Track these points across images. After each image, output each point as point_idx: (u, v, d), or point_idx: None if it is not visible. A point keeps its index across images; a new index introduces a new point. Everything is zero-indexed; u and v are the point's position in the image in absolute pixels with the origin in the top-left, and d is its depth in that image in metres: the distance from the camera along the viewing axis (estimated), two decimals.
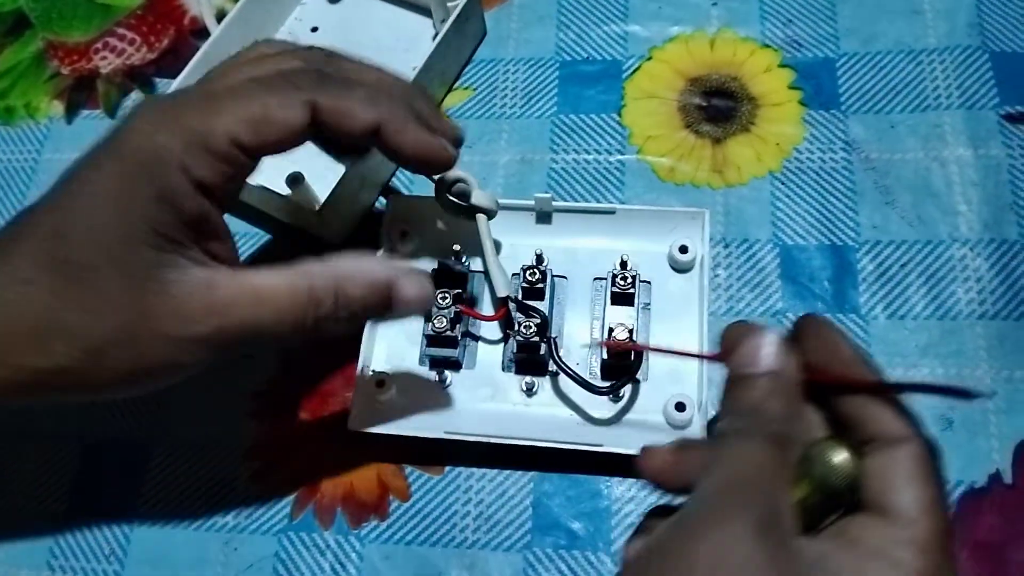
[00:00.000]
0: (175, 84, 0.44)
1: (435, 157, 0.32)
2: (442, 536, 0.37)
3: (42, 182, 0.48)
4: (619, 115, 0.44)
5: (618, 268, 0.38)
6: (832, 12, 0.45)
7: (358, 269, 0.30)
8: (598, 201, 0.42)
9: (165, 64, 0.50)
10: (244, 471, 0.39)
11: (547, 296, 0.38)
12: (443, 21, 0.45)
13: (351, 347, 0.38)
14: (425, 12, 0.48)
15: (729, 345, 0.27)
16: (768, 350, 0.26)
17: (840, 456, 0.25)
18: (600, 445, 0.35)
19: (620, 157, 0.43)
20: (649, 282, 0.39)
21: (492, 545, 0.36)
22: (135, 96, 0.49)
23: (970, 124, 0.41)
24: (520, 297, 0.38)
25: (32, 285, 0.28)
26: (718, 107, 0.44)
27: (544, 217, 0.40)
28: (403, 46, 0.48)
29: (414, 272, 0.32)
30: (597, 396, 0.36)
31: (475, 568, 0.36)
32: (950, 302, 0.38)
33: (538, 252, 0.39)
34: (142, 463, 0.40)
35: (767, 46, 0.45)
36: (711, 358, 0.30)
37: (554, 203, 0.40)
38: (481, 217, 0.38)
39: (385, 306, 0.31)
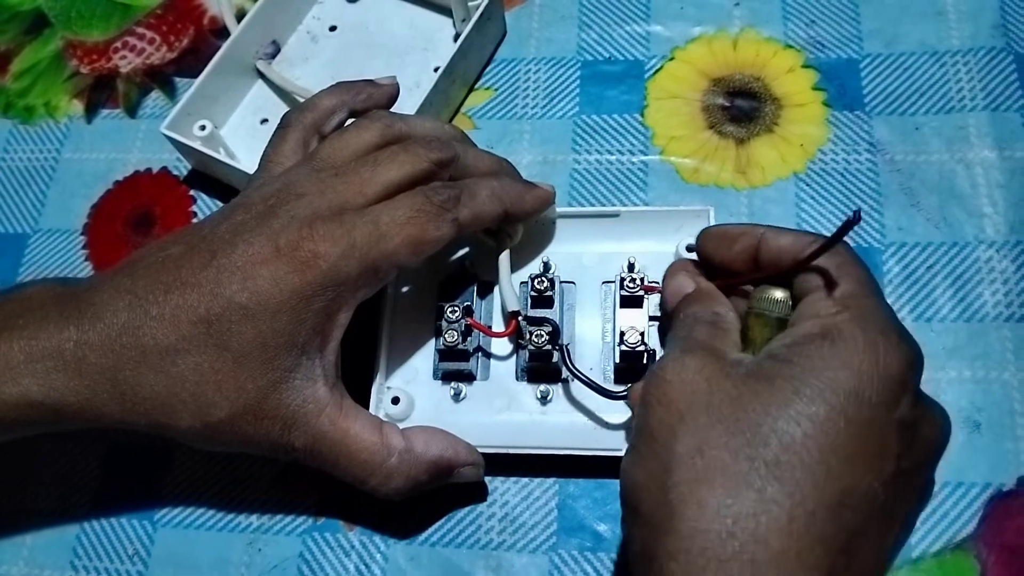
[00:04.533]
0: (196, 84, 0.44)
1: (546, 205, 0.37)
2: (467, 538, 0.37)
3: (62, 181, 0.48)
4: (642, 115, 0.44)
5: (626, 271, 0.37)
6: (855, 13, 0.45)
7: (427, 451, 0.34)
8: (623, 202, 0.42)
9: (185, 64, 0.50)
10: (266, 473, 0.39)
11: (556, 303, 0.38)
12: (464, 21, 0.45)
13: (366, 364, 0.38)
14: (443, 11, 0.48)
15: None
16: (681, 283, 0.33)
17: (775, 291, 0.30)
18: (619, 449, 0.35)
19: (643, 158, 0.43)
20: (658, 282, 0.38)
21: (518, 547, 0.36)
22: (155, 95, 0.49)
23: (995, 126, 0.41)
24: (529, 305, 0.38)
25: (179, 356, 0.30)
26: (741, 108, 0.44)
27: (549, 224, 0.40)
28: (421, 45, 0.48)
29: (473, 455, 0.35)
30: (612, 401, 0.36)
31: (500, 569, 0.36)
32: (976, 304, 0.38)
33: (544, 260, 0.38)
34: (165, 464, 0.40)
35: (790, 47, 0.45)
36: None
37: (558, 209, 0.40)
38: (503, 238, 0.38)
39: (440, 482, 0.35)
